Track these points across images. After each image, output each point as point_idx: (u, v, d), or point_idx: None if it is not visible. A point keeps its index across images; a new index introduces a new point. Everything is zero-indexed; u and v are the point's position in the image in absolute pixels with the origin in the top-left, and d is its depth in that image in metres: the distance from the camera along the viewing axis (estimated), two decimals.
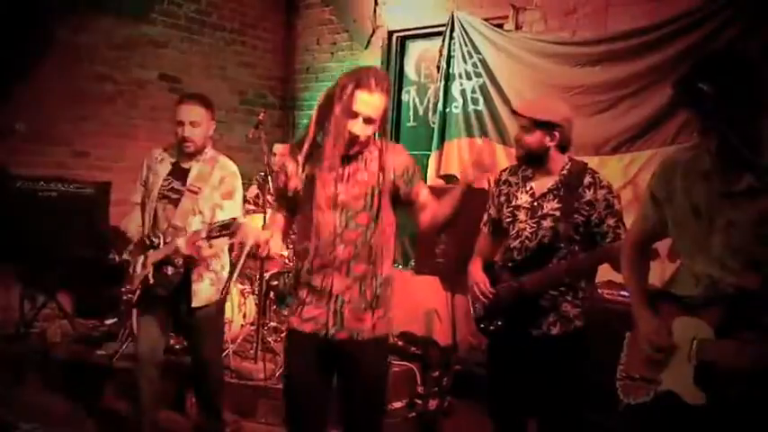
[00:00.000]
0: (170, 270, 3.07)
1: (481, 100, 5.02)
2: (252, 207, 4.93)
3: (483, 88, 4.99)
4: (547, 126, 2.66)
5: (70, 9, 5.01)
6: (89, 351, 4.35)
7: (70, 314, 4.81)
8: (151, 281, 3.07)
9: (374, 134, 2.36)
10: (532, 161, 2.75)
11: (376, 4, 5.97)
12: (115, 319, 4.74)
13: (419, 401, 4.08)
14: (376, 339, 2.37)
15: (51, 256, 4.58)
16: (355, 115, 2.26)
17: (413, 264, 4.94)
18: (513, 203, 2.78)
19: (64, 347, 4.46)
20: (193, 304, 3.13)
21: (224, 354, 4.01)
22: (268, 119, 5.47)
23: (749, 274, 1.81)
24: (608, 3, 4.44)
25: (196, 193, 3.12)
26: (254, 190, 5.23)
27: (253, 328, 4.41)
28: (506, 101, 4.84)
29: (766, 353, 1.74)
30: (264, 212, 4.32)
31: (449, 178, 4.96)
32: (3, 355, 4.21)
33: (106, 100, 5.37)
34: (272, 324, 4.81)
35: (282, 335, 4.69)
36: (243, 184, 5.46)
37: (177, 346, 4.13)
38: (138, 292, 3.13)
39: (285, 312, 5.23)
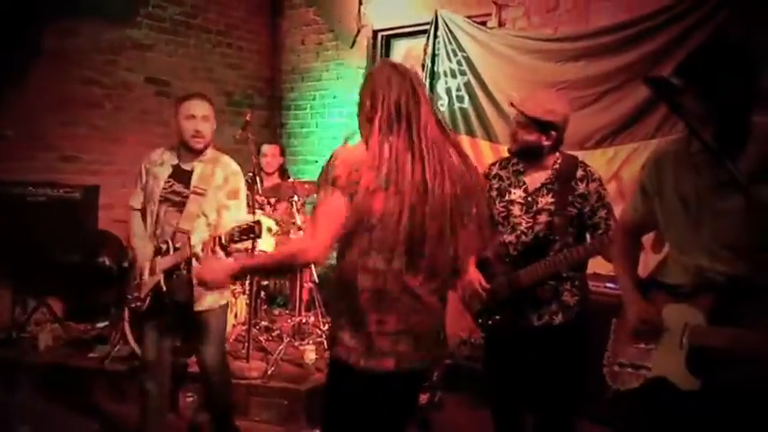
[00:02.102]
0: (180, 276, 3.00)
1: (466, 97, 5.06)
2: None
3: (468, 86, 5.04)
4: (546, 126, 2.68)
5: (56, 14, 5.01)
6: (81, 354, 4.35)
7: (61, 318, 4.82)
8: (164, 288, 2.97)
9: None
10: (525, 156, 2.77)
11: (360, 3, 6.00)
12: (106, 323, 4.75)
13: None
14: None
15: (41, 261, 4.58)
16: None
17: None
18: (507, 198, 2.80)
19: (55, 351, 4.46)
20: (196, 308, 3.08)
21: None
22: (255, 119, 5.49)
23: (739, 263, 1.84)
24: None
25: (201, 194, 3.04)
26: None
27: (244, 327, 4.44)
28: (491, 98, 4.89)
29: (758, 339, 1.76)
30: (253, 213, 4.34)
31: None
32: None
33: (93, 104, 5.37)
34: (264, 323, 4.84)
35: (275, 334, 4.73)
36: None
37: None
38: (147, 299, 3.02)
39: (276, 312, 5.28)
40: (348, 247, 1.96)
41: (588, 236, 2.76)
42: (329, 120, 6.38)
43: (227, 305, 3.38)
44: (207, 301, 3.11)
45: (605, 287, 3.53)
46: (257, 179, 4.56)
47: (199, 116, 3.07)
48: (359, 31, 6.04)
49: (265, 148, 5.45)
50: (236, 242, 2.77)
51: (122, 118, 5.54)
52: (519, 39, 4.77)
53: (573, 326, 2.71)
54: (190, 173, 3.11)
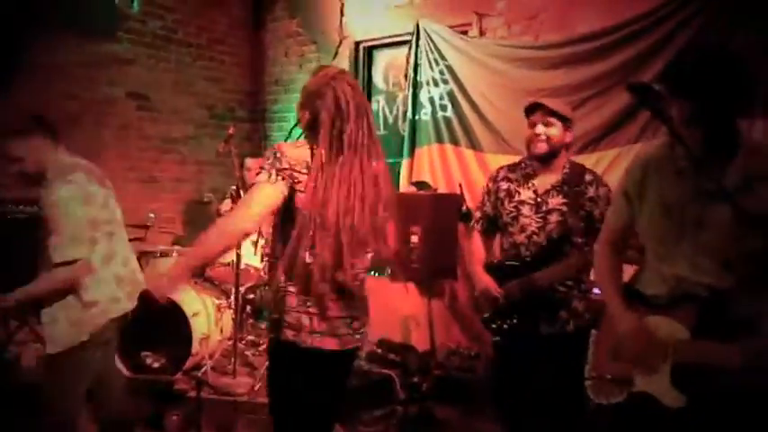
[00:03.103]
0: None
1: (449, 106, 5.07)
2: None
3: (451, 95, 5.05)
4: (567, 121, 2.79)
5: (34, 29, 4.96)
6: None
7: (43, 337, 4.74)
8: None
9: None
10: (546, 159, 2.81)
11: (342, 15, 6.00)
12: None
13: (400, 408, 4.08)
14: None
15: (21, 279, 4.51)
16: None
17: (388, 271, 4.96)
18: (517, 199, 2.83)
19: (39, 371, 4.38)
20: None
21: (201, 371, 4.00)
22: (237, 132, 5.46)
23: (723, 275, 1.81)
24: (569, 6, 4.52)
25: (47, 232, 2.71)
26: (227, 203, 5.21)
27: (230, 342, 4.39)
28: (474, 106, 4.89)
29: (745, 353, 1.72)
30: None
31: (421, 185, 4.99)
32: None
33: (73, 119, 5.31)
34: (250, 338, 4.79)
35: (261, 348, 4.68)
36: (213, 198, 5.48)
37: (155, 365, 4.10)
38: None
39: (263, 326, 5.23)
40: (288, 239, 2.14)
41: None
42: None
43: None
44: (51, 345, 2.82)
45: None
46: (241, 192, 4.52)
47: (10, 158, 2.82)
48: (341, 43, 6.04)
49: (249, 161, 5.42)
50: None
51: (103, 133, 5.49)
52: (500, 47, 4.79)
53: (584, 332, 2.69)
54: None
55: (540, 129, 2.78)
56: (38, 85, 5.04)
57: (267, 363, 2.50)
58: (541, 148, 2.79)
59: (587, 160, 4.18)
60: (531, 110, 2.85)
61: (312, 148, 2.19)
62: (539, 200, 2.78)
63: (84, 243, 2.72)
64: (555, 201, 2.75)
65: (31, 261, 4.47)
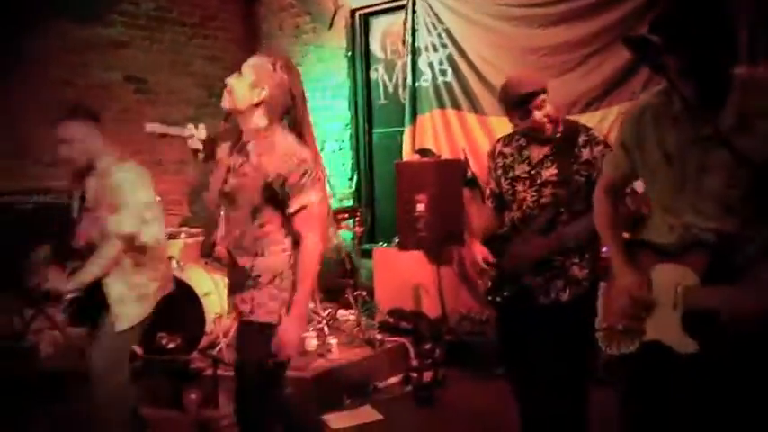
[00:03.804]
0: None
1: (449, 71, 5.02)
2: None
3: (450, 59, 4.99)
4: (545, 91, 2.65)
5: (21, 16, 4.90)
6: (82, 360, 4.33)
7: (60, 325, 4.79)
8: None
9: (270, 123, 2.40)
10: (537, 132, 2.69)
11: None
12: None
13: (414, 374, 4.12)
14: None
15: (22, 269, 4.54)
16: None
17: (396, 240, 4.96)
18: (511, 175, 2.76)
19: (57, 358, 4.44)
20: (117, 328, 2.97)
21: (216, 349, 4.04)
22: None
23: (727, 219, 1.79)
24: None
25: (90, 211, 2.93)
26: None
27: None
28: (474, 69, 4.85)
29: (753, 297, 1.70)
30: None
31: (424, 152, 4.97)
32: None
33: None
34: None
35: None
36: None
37: (171, 345, 4.14)
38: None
39: None
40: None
41: None
42: (310, 104, 6.30)
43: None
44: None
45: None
46: None
47: (58, 140, 2.93)
48: (336, 12, 5.95)
49: None
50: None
51: (102, 118, 5.44)
52: (498, 6, 4.72)
53: (582, 301, 2.63)
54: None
55: (538, 115, 2.63)
56: (30, 75, 5.01)
57: None
58: (550, 129, 2.67)
59: (591, 118, 4.15)
60: (521, 102, 2.66)
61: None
62: (532, 172, 2.70)
63: (140, 221, 2.92)
64: (548, 172, 2.67)
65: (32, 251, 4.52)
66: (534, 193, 2.69)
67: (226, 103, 2.43)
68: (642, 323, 1.96)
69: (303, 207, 2.33)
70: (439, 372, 4.08)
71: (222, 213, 2.50)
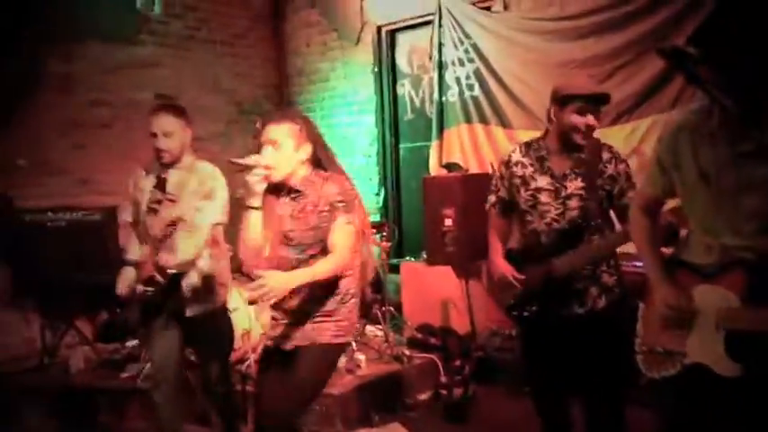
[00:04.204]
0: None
1: (476, 85, 5.00)
2: None
3: (477, 73, 4.98)
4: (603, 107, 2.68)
5: (57, 39, 5.01)
6: (113, 375, 4.37)
7: (91, 340, 4.84)
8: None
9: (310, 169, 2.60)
10: (567, 138, 2.66)
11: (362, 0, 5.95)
12: (136, 341, 4.76)
13: (443, 391, 4.08)
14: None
15: (66, 285, 4.60)
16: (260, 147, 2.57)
17: (424, 255, 4.93)
18: (533, 186, 2.72)
19: (88, 374, 4.48)
20: (187, 314, 3.09)
21: (245, 365, 4.05)
22: None
23: (766, 238, 1.76)
24: None
25: (173, 201, 3.07)
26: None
27: None
28: (502, 83, 4.82)
29: None
30: None
31: (451, 166, 4.94)
32: (28, 386, 4.25)
33: (104, 125, 5.39)
34: None
35: None
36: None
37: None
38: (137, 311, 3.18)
39: None
40: None
41: (615, 217, 2.70)
42: (337, 119, 6.35)
43: (224, 310, 3.32)
44: (196, 306, 3.11)
45: (632, 266, 3.45)
46: None
47: (160, 133, 3.05)
48: (362, 28, 5.99)
49: None
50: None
51: (134, 136, 5.52)
52: (525, 20, 4.70)
53: (616, 308, 2.65)
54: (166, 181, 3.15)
55: (578, 119, 2.60)
56: (65, 95, 5.11)
57: None
58: (581, 139, 2.63)
59: (622, 131, 4.10)
60: (570, 98, 2.64)
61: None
62: (557, 185, 2.67)
63: (226, 213, 3.13)
64: (573, 185, 2.64)
65: (73, 266, 4.60)
66: (559, 206, 2.66)
67: (272, 179, 2.55)
68: (683, 341, 1.91)
69: (349, 223, 2.49)
70: (469, 388, 4.03)
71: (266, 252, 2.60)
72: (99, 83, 5.36)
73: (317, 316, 2.57)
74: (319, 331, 2.56)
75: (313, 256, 2.53)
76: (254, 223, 2.56)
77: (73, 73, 5.19)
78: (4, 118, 4.72)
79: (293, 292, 2.44)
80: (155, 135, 3.07)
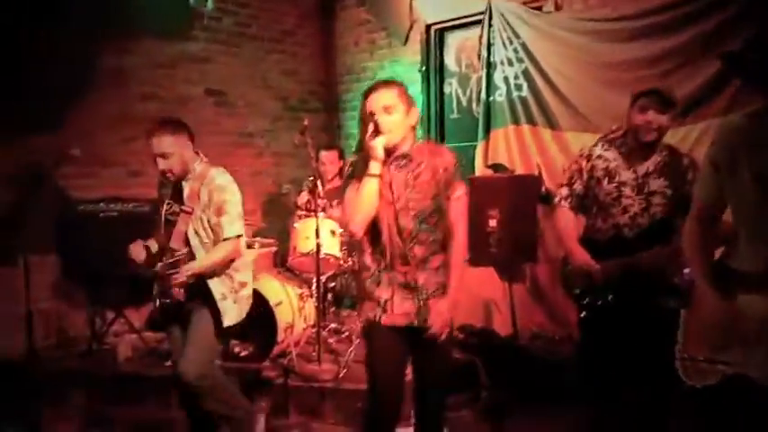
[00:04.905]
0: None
1: (525, 85, 4.95)
2: (303, 212, 4.97)
3: (526, 73, 4.93)
4: (675, 107, 2.77)
5: (111, 34, 5.13)
6: (159, 363, 4.47)
7: (138, 329, 4.96)
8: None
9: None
10: (650, 144, 2.76)
11: None
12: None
13: (485, 392, 4.06)
14: None
15: (117, 274, 4.72)
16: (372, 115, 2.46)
17: (467, 256, 4.90)
18: (617, 180, 2.81)
19: (135, 362, 4.59)
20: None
21: (287, 358, 4.10)
22: (313, 123, 5.51)
23: None
24: None
25: (189, 213, 3.08)
26: (304, 195, 5.27)
27: (314, 330, 4.46)
28: (551, 84, 4.77)
29: None
30: (316, 216, 4.36)
31: (497, 167, 4.91)
32: (76, 371, 4.38)
33: (154, 119, 5.49)
34: (333, 325, 4.86)
35: (344, 335, 4.76)
36: (292, 190, 5.55)
37: (243, 353, 4.22)
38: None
39: (345, 313, 5.29)
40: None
41: None
42: None
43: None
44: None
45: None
46: (318, 183, 4.56)
47: (158, 154, 3.07)
48: (411, 27, 5.99)
49: (323, 155, 5.37)
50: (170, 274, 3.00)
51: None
52: (577, 21, 4.64)
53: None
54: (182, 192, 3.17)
55: (651, 116, 2.71)
56: (117, 89, 5.23)
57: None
58: (651, 136, 2.74)
59: (674, 135, 3.99)
60: (634, 96, 2.77)
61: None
62: (640, 181, 2.76)
63: (242, 222, 3.15)
64: (657, 183, 2.74)
65: (123, 256, 4.71)
66: (642, 201, 2.75)
67: (389, 142, 2.47)
68: (726, 354, 1.87)
69: (461, 195, 2.52)
70: (509, 390, 4.00)
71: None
72: (151, 77, 5.47)
73: (436, 291, 2.54)
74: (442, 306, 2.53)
75: (432, 230, 2.51)
76: (370, 192, 2.44)
77: (125, 67, 5.30)
78: (60, 113, 4.85)
79: (421, 268, 2.49)
80: (154, 156, 3.09)
